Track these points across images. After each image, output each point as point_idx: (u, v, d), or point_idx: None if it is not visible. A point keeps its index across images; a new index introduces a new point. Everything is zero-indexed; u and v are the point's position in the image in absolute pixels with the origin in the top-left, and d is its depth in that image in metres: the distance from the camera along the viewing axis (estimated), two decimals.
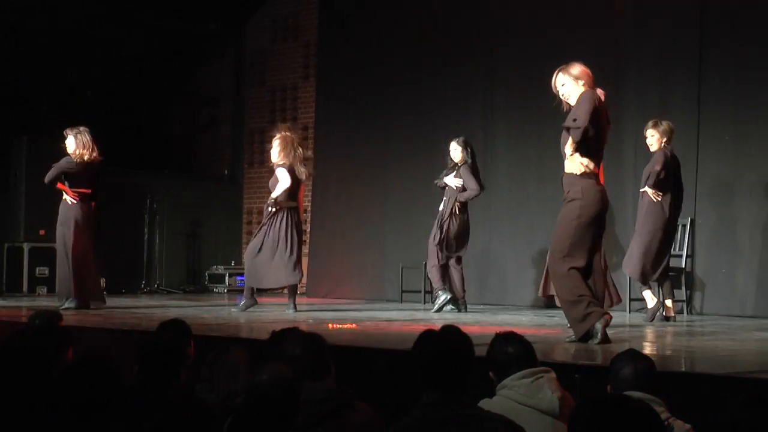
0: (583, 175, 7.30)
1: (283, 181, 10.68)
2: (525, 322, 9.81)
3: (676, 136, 10.40)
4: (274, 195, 10.72)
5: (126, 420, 3.42)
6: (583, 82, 7.40)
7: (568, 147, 7.29)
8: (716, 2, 11.37)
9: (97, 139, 10.92)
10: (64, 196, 10.73)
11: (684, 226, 11.23)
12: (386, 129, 14.12)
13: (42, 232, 13.48)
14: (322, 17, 15.23)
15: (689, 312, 11.03)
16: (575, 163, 7.29)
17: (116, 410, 3.33)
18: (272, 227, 10.75)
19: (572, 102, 7.40)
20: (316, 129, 15.16)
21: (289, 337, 4.60)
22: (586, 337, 7.14)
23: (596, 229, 7.38)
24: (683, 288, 11.07)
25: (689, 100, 11.35)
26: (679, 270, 11.11)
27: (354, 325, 9.29)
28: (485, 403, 4.01)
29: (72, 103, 14.38)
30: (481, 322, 9.62)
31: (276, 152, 10.84)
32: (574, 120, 7.18)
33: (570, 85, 7.43)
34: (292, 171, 10.75)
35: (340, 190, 14.20)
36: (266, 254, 10.77)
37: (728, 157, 11.17)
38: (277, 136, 10.95)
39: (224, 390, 4.85)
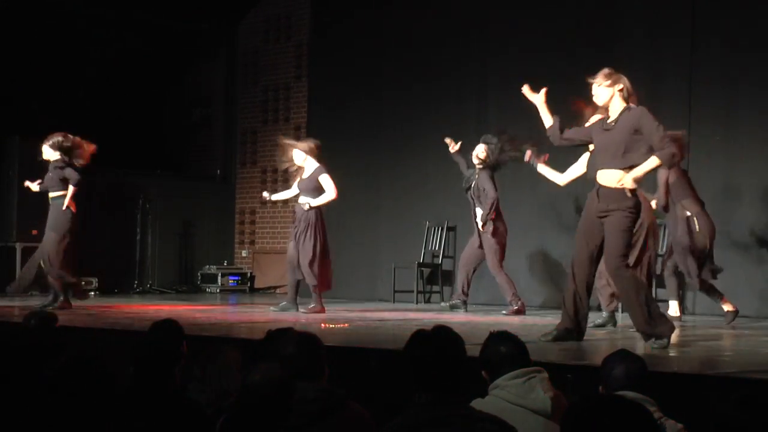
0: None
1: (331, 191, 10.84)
2: (517, 321, 9.82)
3: None
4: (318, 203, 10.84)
5: (120, 420, 3.43)
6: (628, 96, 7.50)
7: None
8: (706, 4, 11.41)
9: (89, 139, 10.97)
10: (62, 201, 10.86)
11: None
12: (378, 129, 14.13)
13: (35, 232, 13.45)
14: (314, 17, 15.23)
15: (682, 312, 11.05)
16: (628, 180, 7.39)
17: (110, 410, 3.33)
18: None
19: (599, 101, 7.49)
20: (308, 129, 15.15)
21: (283, 337, 4.61)
22: None
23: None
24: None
25: (680, 103, 11.38)
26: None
27: (346, 325, 9.30)
28: (477, 403, 4.02)
29: (64, 102, 14.36)
30: (473, 322, 9.63)
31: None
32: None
33: (609, 89, 7.50)
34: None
35: None
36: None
37: (719, 158, 11.20)
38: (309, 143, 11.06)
39: (216, 390, 4.86)
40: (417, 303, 12.79)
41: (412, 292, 12.90)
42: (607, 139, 7.51)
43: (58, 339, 5.50)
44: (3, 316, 9.62)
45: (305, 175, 10.97)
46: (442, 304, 11.49)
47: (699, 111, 11.30)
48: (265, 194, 11.80)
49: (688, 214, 9.72)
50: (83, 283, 11.72)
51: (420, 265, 13.13)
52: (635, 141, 7.40)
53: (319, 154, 10.97)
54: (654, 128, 7.34)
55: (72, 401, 3.27)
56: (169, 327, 5.36)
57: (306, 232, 10.74)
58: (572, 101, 7.97)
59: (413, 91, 13.77)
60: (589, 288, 7.66)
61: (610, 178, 7.45)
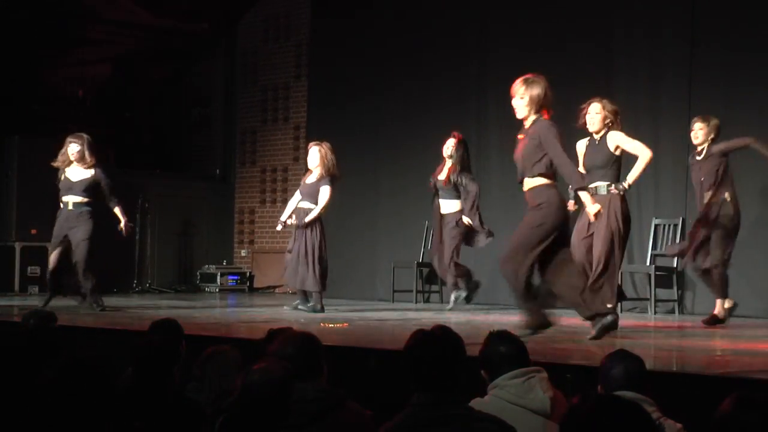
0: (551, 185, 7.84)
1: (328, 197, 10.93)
2: (516, 321, 9.81)
3: (666, 137, 10.43)
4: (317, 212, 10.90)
5: (119, 420, 3.43)
6: (536, 107, 7.81)
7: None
8: (706, 4, 11.42)
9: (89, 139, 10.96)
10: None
11: (675, 225, 11.28)
12: (378, 129, 14.13)
13: (34, 231, 13.48)
14: (314, 17, 15.22)
15: (680, 312, 11.06)
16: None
17: (108, 410, 3.33)
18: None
19: (519, 114, 7.91)
20: (307, 129, 15.15)
21: (282, 336, 4.61)
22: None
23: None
24: (674, 288, 11.11)
25: (680, 101, 11.38)
26: (670, 270, 11.15)
27: (345, 325, 9.30)
28: (477, 403, 4.02)
29: (64, 102, 14.36)
30: (472, 322, 9.63)
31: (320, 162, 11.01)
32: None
33: (526, 101, 7.85)
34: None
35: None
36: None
37: None
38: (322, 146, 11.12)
39: (216, 389, 4.86)
40: (416, 303, 12.79)
41: (412, 291, 12.90)
42: (520, 147, 7.95)
43: (57, 338, 5.49)
44: (2, 315, 9.63)
45: (310, 179, 11.04)
46: (448, 306, 11.51)
47: (699, 111, 11.27)
48: (279, 228, 11.54)
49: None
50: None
51: (419, 264, 13.12)
52: (538, 152, 7.76)
53: (332, 171, 10.98)
54: (551, 146, 7.70)
55: (70, 401, 3.26)
56: (168, 326, 5.37)
57: (306, 236, 10.84)
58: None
59: (413, 90, 13.76)
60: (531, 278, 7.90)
61: (528, 185, 7.84)
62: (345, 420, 4.09)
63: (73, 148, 10.77)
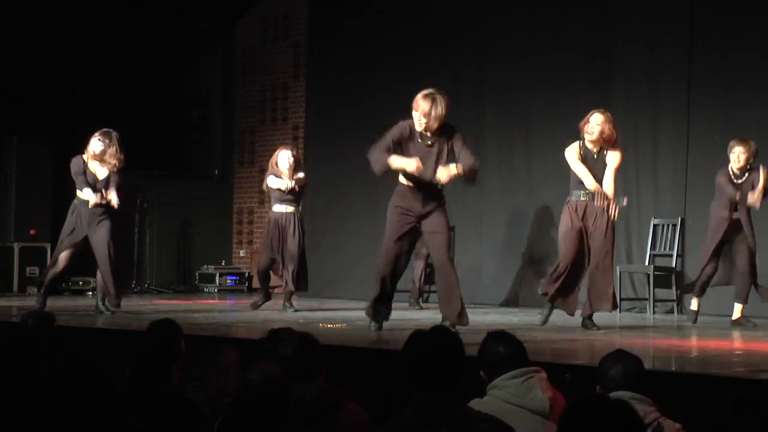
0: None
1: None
2: (516, 321, 9.82)
3: (667, 137, 10.42)
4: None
5: (117, 420, 3.43)
6: (441, 122, 8.67)
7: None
8: (705, 5, 11.41)
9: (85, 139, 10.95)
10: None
11: (674, 225, 11.27)
12: (377, 129, 14.03)
13: (33, 232, 13.47)
14: (312, 17, 15.22)
15: (679, 312, 11.05)
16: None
17: (107, 410, 3.33)
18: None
19: (420, 127, 8.82)
20: (306, 129, 15.15)
21: (281, 336, 4.61)
22: None
23: None
24: (673, 288, 11.11)
25: (679, 102, 11.38)
26: (669, 270, 11.15)
27: (344, 325, 9.30)
28: (475, 403, 4.01)
29: (61, 103, 14.35)
30: (471, 322, 9.61)
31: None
32: None
33: (432, 118, 8.78)
34: None
35: (329, 190, 14.18)
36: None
37: (717, 158, 11.18)
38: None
39: (214, 389, 4.86)
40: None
41: (410, 292, 12.87)
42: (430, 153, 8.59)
43: (56, 339, 5.50)
44: (1, 316, 9.62)
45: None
46: None
47: (698, 112, 11.29)
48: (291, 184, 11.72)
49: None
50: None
51: None
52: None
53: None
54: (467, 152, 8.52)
55: (70, 401, 3.26)
56: (166, 326, 5.36)
57: (295, 235, 11.08)
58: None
59: (411, 91, 13.70)
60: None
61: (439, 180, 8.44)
62: (344, 420, 4.09)
63: (95, 146, 10.47)
